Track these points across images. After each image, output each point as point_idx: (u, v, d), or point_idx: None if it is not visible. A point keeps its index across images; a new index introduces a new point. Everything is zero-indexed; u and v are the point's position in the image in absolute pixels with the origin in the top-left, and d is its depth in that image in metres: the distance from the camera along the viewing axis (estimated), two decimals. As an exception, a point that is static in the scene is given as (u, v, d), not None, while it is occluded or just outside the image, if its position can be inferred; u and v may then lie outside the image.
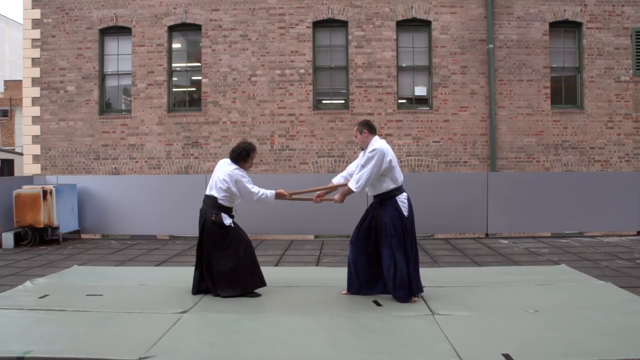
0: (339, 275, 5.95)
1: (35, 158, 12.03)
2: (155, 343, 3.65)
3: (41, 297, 4.91)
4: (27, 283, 5.53)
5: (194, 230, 9.48)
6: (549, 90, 11.60)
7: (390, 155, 4.76)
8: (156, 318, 4.27)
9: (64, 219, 8.95)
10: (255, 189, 4.97)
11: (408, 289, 4.68)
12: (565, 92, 11.85)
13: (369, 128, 4.90)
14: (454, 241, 8.82)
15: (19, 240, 8.61)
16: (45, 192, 8.63)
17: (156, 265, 6.94)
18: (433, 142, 11.56)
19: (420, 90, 11.90)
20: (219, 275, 4.92)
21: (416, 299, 4.74)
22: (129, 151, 11.83)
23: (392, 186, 4.79)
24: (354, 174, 4.82)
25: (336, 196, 4.97)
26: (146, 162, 11.81)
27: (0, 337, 3.83)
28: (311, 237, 9.82)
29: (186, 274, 6.18)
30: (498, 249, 8.01)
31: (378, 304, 4.67)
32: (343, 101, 11.90)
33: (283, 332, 3.95)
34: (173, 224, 9.51)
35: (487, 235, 9.30)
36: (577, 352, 3.47)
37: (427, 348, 3.57)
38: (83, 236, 9.72)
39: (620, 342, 3.62)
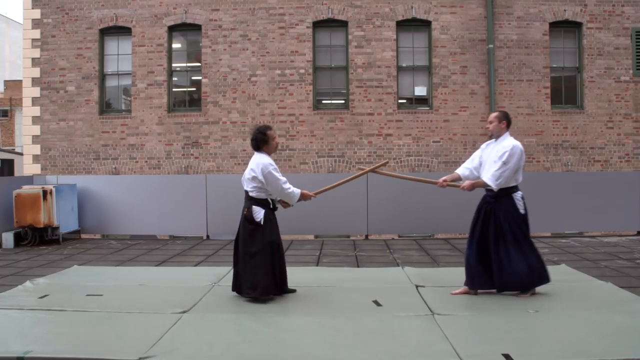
0: (339, 275, 5.97)
1: (35, 158, 12.03)
2: (155, 343, 3.65)
3: (41, 297, 4.90)
4: (27, 283, 5.53)
5: (194, 230, 9.58)
6: (549, 90, 11.60)
7: (522, 153, 4.79)
8: (156, 318, 4.26)
9: (64, 219, 8.95)
10: (284, 179, 4.80)
11: (521, 284, 4.73)
12: (565, 92, 11.85)
13: (508, 122, 4.91)
14: (454, 241, 8.82)
15: (19, 240, 8.61)
16: (45, 192, 8.63)
17: (156, 265, 6.94)
18: (433, 142, 11.56)
19: (420, 90, 11.90)
20: (243, 273, 4.78)
21: (526, 295, 4.78)
22: (129, 151, 11.83)
23: (512, 184, 4.80)
24: (492, 170, 4.73)
25: (467, 183, 4.91)
26: (146, 162, 11.81)
27: (0, 337, 3.83)
28: (311, 237, 9.82)
29: (186, 274, 6.21)
30: (498, 249, 8.00)
31: (378, 304, 4.67)
32: (343, 101, 11.90)
33: (283, 332, 3.95)
34: (173, 224, 9.51)
35: (487, 235, 9.28)
36: (577, 352, 3.46)
37: (427, 348, 3.57)
38: (83, 236, 9.72)
39: (620, 342, 3.61)
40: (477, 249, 4.91)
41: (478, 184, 4.85)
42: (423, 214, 9.17)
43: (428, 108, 11.70)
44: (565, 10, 11.55)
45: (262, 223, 4.77)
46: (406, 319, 4.24)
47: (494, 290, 4.91)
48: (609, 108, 11.58)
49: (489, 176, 4.73)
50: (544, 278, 4.84)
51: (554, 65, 11.75)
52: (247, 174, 4.83)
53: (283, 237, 4.96)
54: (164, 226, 9.65)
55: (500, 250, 4.76)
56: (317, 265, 6.94)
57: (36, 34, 12.01)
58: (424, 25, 11.74)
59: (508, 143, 4.76)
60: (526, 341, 3.67)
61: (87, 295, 4.99)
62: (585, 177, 9.95)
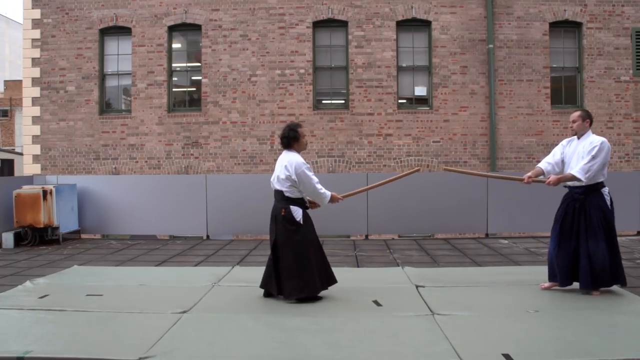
0: (339, 275, 5.95)
1: (35, 158, 12.03)
2: (155, 343, 3.65)
3: (41, 297, 4.90)
4: (27, 283, 5.53)
5: (194, 230, 9.58)
6: (549, 90, 11.60)
7: (610, 149, 4.84)
8: (156, 318, 4.26)
9: (64, 219, 8.94)
10: (316, 179, 4.73)
11: (610, 279, 4.75)
12: (565, 92, 11.85)
13: (591, 120, 4.98)
14: (454, 241, 8.82)
15: (19, 240, 8.61)
16: (45, 192, 8.63)
17: (156, 265, 6.94)
18: (433, 142, 11.56)
19: (420, 90, 11.91)
20: (288, 275, 4.70)
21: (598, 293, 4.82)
22: (129, 151, 11.83)
23: (601, 179, 4.83)
24: (581, 164, 4.73)
25: (552, 178, 4.87)
26: (146, 162, 11.81)
27: (0, 337, 3.83)
28: (311, 237, 9.82)
29: (186, 274, 6.21)
30: (498, 249, 8.01)
31: (378, 304, 4.67)
32: (343, 101, 11.91)
33: (283, 332, 3.95)
34: (173, 224, 9.51)
35: (487, 235, 9.30)
36: (577, 352, 3.46)
37: (427, 348, 3.57)
38: (83, 236, 9.72)
39: (620, 342, 3.62)
40: (566, 245, 4.89)
41: (565, 178, 4.85)
42: (423, 214, 9.17)
43: (428, 108, 11.71)
44: (565, 10, 11.55)
45: (302, 222, 4.73)
46: (406, 319, 4.24)
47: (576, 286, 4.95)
48: (609, 108, 11.58)
49: (579, 169, 4.73)
50: (622, 279, 4.84)
51: (554, 65, 11.75)
52: (281, 173, 4.73)
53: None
54: (164, 226, 9.65)
55: (591, 246, 4.76)
56: (317, 265, 6.92)
57: (36, 34, 12.02)
58: (424, 25, 11.74)
59: (595, 139, 4.82)
60: (526, 341, 3.67)
61: (87, 295, 4.99)
62: (585, 177, 9.92)
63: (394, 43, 11.64)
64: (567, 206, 4.95)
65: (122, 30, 11.98)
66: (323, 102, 11.98)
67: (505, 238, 9.15)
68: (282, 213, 4.74)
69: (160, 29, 11.83)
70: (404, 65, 11.82)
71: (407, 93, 11.96)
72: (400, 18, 11.63)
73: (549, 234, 8.78)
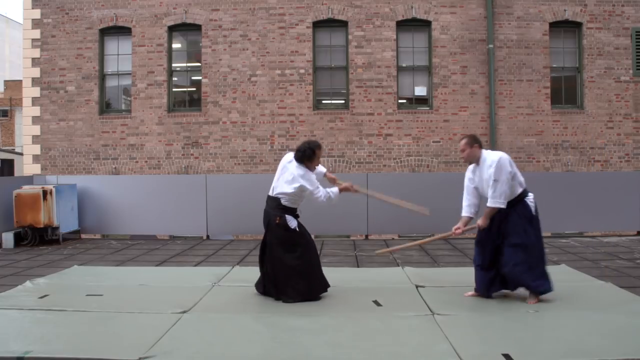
0: (339, 275, 5.96)
1: (35, 158, 12.03)
2: (155, 343, 3.65)
3: (41, 297, 4.90)
4: (27, 283, 5.53)
5: (194, 230, 9.58)
6: (549, 90, 11.60)
7: (509, 160, 4.73)
8: (156, 318, 4.26)
9: (64, 219, 8.95)
10: (321, 192, 4.79)
11: (532, 283, 4.66)
12: (565, 92, 11.85)
13: (479, 143, 4.88)
14: (454, 241, 8.82)
15: (19, 240, 8.61)
16: (45, 192, 8.63)
17: (156, 265, 6.94)
18: (433, 142, 11.56)
19: (420, 90, 11.90)
20: (285, 278, 4.77)
21: (536, 300, 4.67)
22: (129, 151, 11.83)
23: (519, 190, 4.79)
24: (491, 193, 4.65)
25: (480, 221, 4.79)
26: (146, 162, 11.81)
27: (0, 337, 3.83)
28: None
29: (186, 274, 6.21)
30: (498, 249, 8.00)
31: (378, 304, 4.67)
32: (343, 101, 11.90)
33: (283, 332, 3.95)
34: (173, 224, 9.51)
35: (487, 235, 9.28)
36: (577, 352, 3.47)
37: (427, 348, 3.57)
38: (83, 236, 9.72)
39: (620, 342, 3.62)
40: (489, 252, 4.84)
41: (490, 214, 4.74)
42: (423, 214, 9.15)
43: (428, 108, 11.70)
44: (565, 10, 11.55)
45: (297, 229, 4.84)
46: (406, 319, 4.24)
47: (507, 291, 4.90)
48: (609, 108, 11.58)
49: (492, 201, 4.65)
50: (543, 286, 4.69)
51: (554, 65, 11.75)
52: (293, 180, 4.78)
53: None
54: (164, 226, 9.65)
55: (505, 250, 4.72)
56: (317, 265, 6.91)
57: (36, 34, 12.01)
58: (424, 25, 11.74)
59: (491, 159, 4.70)
60: (526, 341, 3.67)
61: (87, 295, 4.99)
62: (585, 177, 9.94)
63: (394, 43, 11.64)
64: (493, 218, 4.82)
65: (122, 30, 11.97)
66: (323, 102, 11.98)
67: (505, 238, 9.13)
68: (277, 221, 4.81)
69: (160, 29, 11.83)
70: (404, 65, 11.81)
71: (407, 93, 11.96)
72: (400, 18, 11.62)
73: (548, 234, 8.80)
